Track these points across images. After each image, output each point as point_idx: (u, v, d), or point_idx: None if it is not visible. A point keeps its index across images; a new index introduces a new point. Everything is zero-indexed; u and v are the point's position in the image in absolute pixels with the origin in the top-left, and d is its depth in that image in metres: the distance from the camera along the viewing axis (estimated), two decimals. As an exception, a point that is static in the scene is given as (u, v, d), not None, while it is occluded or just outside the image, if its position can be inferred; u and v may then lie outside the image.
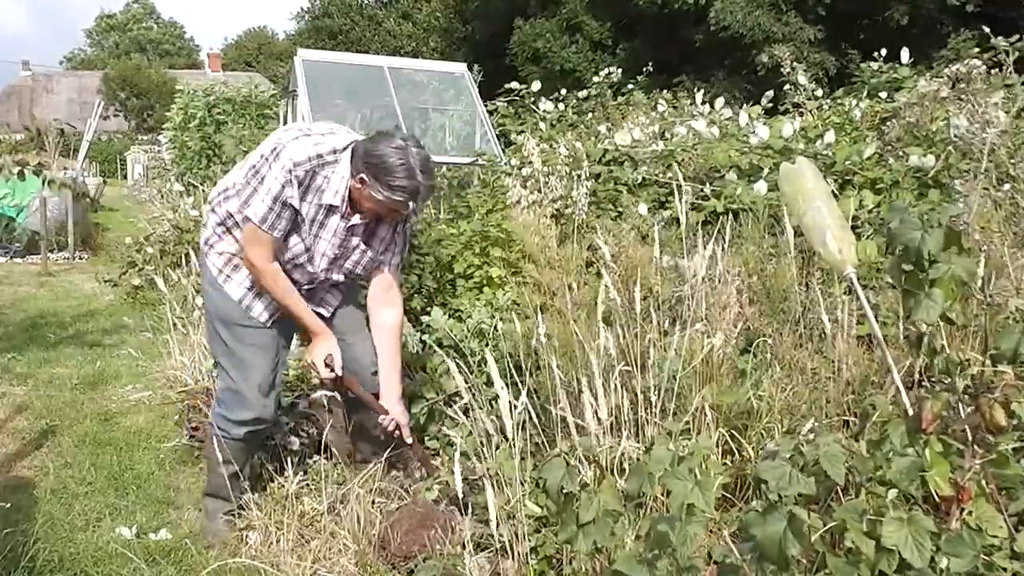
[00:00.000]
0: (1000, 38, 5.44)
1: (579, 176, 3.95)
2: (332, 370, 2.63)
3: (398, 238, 2.70)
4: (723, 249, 2.74)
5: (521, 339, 2.81)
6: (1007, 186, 3.24)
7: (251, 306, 2.62)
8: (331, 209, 2.47)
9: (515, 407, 2.16)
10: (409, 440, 2.73)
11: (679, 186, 3.10)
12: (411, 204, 2.43)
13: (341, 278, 2.68)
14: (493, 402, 2.93)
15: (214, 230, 2.63)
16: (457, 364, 2.54)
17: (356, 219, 2.52)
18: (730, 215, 3.78)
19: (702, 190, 4.07)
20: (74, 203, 9.95)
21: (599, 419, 2.25)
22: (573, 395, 2.52)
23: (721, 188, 4.12)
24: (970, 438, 1.55)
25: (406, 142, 2.38)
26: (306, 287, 2.66)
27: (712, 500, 1.45)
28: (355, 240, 2.58)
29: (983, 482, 1.54)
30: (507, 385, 2.25)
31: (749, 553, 1.43)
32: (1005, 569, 1.41)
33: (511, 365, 2.68)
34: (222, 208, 2.59)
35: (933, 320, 1.53)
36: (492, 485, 2.12)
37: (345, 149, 2.44)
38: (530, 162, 4.07)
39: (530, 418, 2.31)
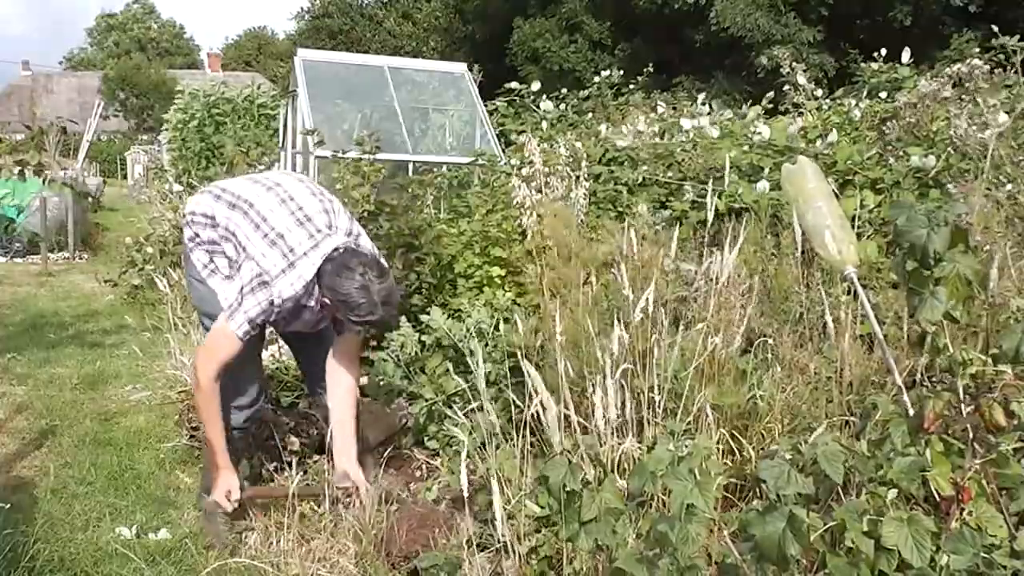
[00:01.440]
0: (1004, 38, 5.44)
1: (579, 176, 3.94)
2: (231, 503, 2.66)
3: None
4: (730, 251, 2.74)
5: (532, 333, 2.83)
6: (1008, 185, 3.24)
7: None
8: (304, 307, 2.58)
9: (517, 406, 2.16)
10: (364, 500, 2.69)
11: (680, 185, 3.10)
12: (373, 329, 2.59)
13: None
14: (493, 401, 2.94)
15: (197, 240, 2.70)
16: (456, 364, 2.55)
17: (327, 312, 2.61)
18: (732, 215, 3.78)
19: (703, 189, 4.07)
20: (75, 203, 9.96)
21: (607, 419, 2.25)
22: (577, 393, 2.52)
23: (722, 188, 4.12)
24: (970, 438, 1.55)
25: (366, 277, 2.43)
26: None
27: (712, 500, 1.45)
28: (324, 322, 2.71)
29: (983, 482, 1.54)
30: (508, 385, 2.25)
31: (749, 553, 1.43)
32: (1005, 567, 1.41)
33: (512, 363, 2.68)
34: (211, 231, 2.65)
35: (937, 319, 1.53)
36: (498, 485, 2.12)
37: (321, 261, 2.49)
38: (530, 162, 4.06)
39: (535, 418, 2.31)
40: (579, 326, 2.73)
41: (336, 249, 2.49)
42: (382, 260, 2.67)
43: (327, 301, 2.50)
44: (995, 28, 5.05)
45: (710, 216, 2.91)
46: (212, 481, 2.67)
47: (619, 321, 2.48)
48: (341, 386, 2.75)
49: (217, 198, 2.67)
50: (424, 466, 3.14)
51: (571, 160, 4.19)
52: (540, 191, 3.93)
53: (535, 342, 2.97)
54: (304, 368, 3.05)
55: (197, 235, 2.68)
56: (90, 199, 11.68)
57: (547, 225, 3.52)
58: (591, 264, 3.26)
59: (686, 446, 1.54)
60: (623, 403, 2.39)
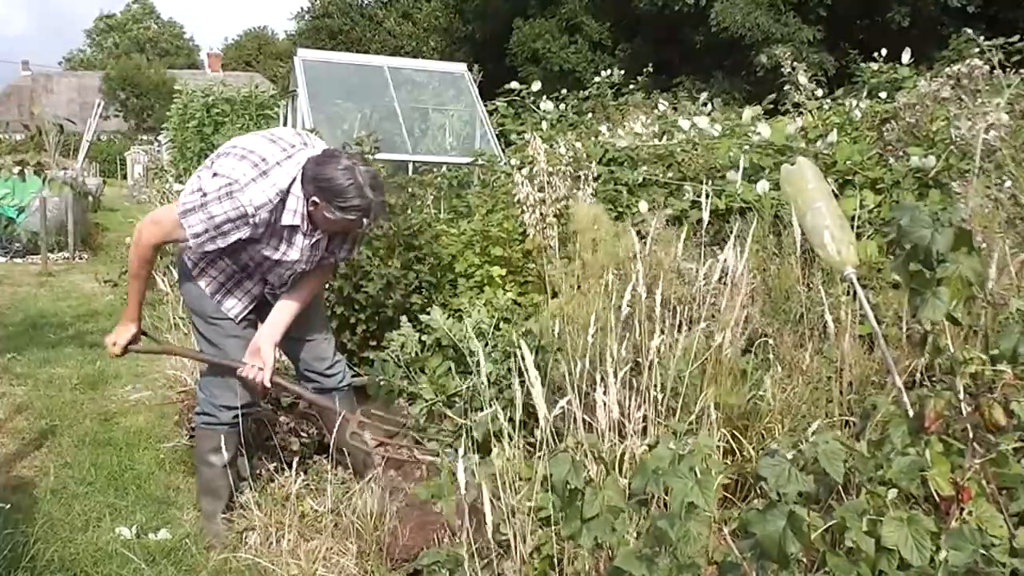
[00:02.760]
0: (1000, 38, 5.44)
1: (583, 176, 3.94)
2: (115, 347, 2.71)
3: (352, 239, 2.77)
4: (738, 252, 2.75)
5: (546, 330, 2.83)
6: (1008, 183, 3.24)
7: (222, 301, 2.69)
8: (294, 229, 2.51)
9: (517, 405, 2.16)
10: (268, 384, 2.68)
11: (680, 185, 3.10)
12: (364, 221, 2.47)
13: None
14: (493, 401, 2.94)
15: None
16: (456, 364, 2.55)
17: (318, 234, 2.57)
18: (732, 213, 3.78)
19: (703, 189, 4.07)
20: (75, 202, 9.96)
21: (611, 417, 2.25)
22: (582, 391, 2.52)
23: (722, 187, 4.12)
24: (970, 438, 1.55)
25: (352, 161, 2.42)
26: (279, 289, 2.73)
27: (712, 499, 1.46)
28: (319, 250, 2.64)
29: (983, 482, 1.54)
30: (509, 385, 2.25)
31: (749, 551, 1.43)
32: (1004, 564, 1.41)
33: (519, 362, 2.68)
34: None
35: (939, 319, 1.53)
36: (496, 485, 2.12)
37: (298, 170, 2.46)
38: (531, 161, 4.06)
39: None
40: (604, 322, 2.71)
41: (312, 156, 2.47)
42: None
43: (315, 200, 2.41)
44: (991, 29, 5.04)
45: (705, 216, 2.91)
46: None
47: (624, 320, 2.48)
48: (305, 281, 2.70)
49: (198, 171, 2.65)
50: (425, 467, 3.14)
51: (572, 160, 4.19)
52: (542, 190, 3.93)
53: (554, 337, 2.95)
54: (293, 358, 2.98)
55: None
56: (90, 198, 11.66)
57: (577, 218, 3.48)
58: (613, 259, 3.24)
59: (687, 444, 1.54)
60: (630, 402, 2.40)
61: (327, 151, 2.49)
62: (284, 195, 2.43)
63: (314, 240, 2.56)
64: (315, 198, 2.42)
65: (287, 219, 2.46)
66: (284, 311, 2.70)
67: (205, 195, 2.40)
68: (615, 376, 2.25)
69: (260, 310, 2.78)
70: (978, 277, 1.53)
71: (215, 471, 2.72)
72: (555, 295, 3.27)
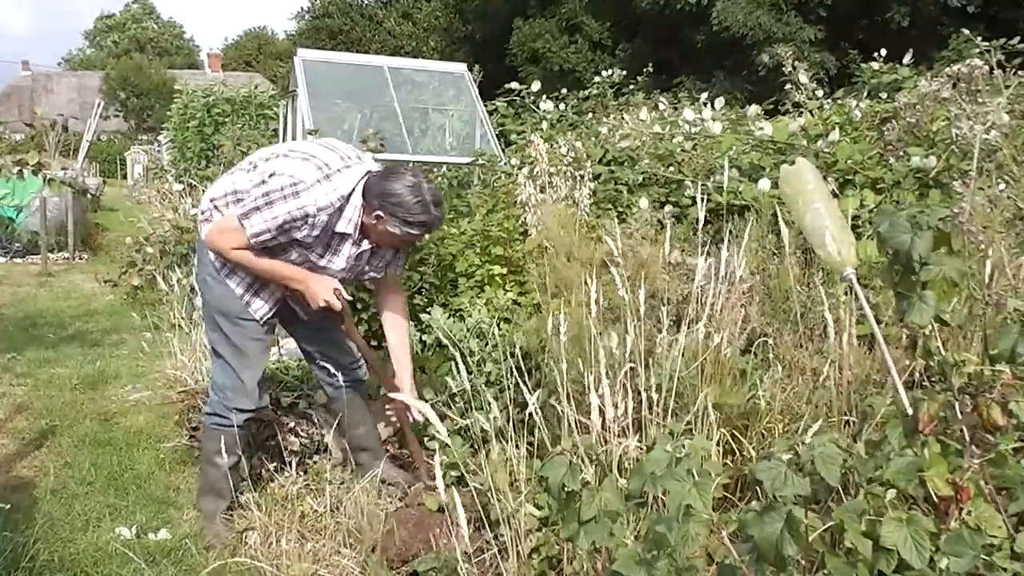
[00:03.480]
0: (1000, 39, 5.43)
1: (583, 176, 3.94)
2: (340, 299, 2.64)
3: (402, 252, 2.84)
4: (736, 249, 2.75)
5: (533, 333, 2.84)
6: (1002, 186, 3.23)
7: (250, 302, 2.69)
8: (343, 236, 2.57)
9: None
10: (420, 417, 2.72)
11: (680, 185, 3.10)
12: (425, 235, 2.63)
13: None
14: (492, 401, 2.94)
15: None
16: (456, 364, 2.55)
17: (365, 244, 2.62)
18: (731, 212, 3.78)
19: (704, 188, 4.07)
20: (75, 202, 9.96)
21: (606, 419, 2.25)
22: (579, 392, 2.52)
23: (721, 184, 4.11)
24: (969, 438, 1.55)
25: (418, 179, 2.50)
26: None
27: (710, 500, 1.45)
28: (362, 262, 2.69)
29: (982, 482, 1.54)
30: (509, 385, 2.25)
31: (747, 553, 1.43)
32: (1005, 569, 1.41)
33: (516, 362, 2.68)
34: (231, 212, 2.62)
35: (926, 323, 1.53)
36: (490, 486, 2.12)
37: (360, 181, 2.54)
38: (532, 161, 4.06)
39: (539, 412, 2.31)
40: (581, 326, 2.73)
41: (369, 171, 2.56)
42: None
43: (379, 214, 2.48)
44: (991, 30, 5.03)
45: (701, 216, 2.91)
46: (305, 293, 2.62)
47: (616, 322, 2.48)
48: (395, 312, 2.82)
49: (232, 172, 2.69)
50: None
51: (573, 160, 4.18)
52: (543, 190, 3.93)
53: (537, 343, 2.98)
54: (311, 355, 3.01)
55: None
56: (89, 195, 11.63)
57: (544, 225, 3.53)
58: (590, 264, 3.26)
59: (684, 446, 1.54)
60: (624, 403, 2.40)
61: (390, 168, 2.59)
62: (344, 202, 2.49)
63: (359, 251, 2.62)
64: (379, 212, 2.49)
65: (341, 226, 2.53)
66: (402, 339, 2.81)
67: (267, 194, 2.45)
68: (610, 377, 2.25)
69: (281, 314, 2.81)
70: (964, 277, 1.53)
71: (220, 472, 2.73)
72: (555, 295, 3.27)
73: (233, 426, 2.70)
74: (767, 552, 1.36)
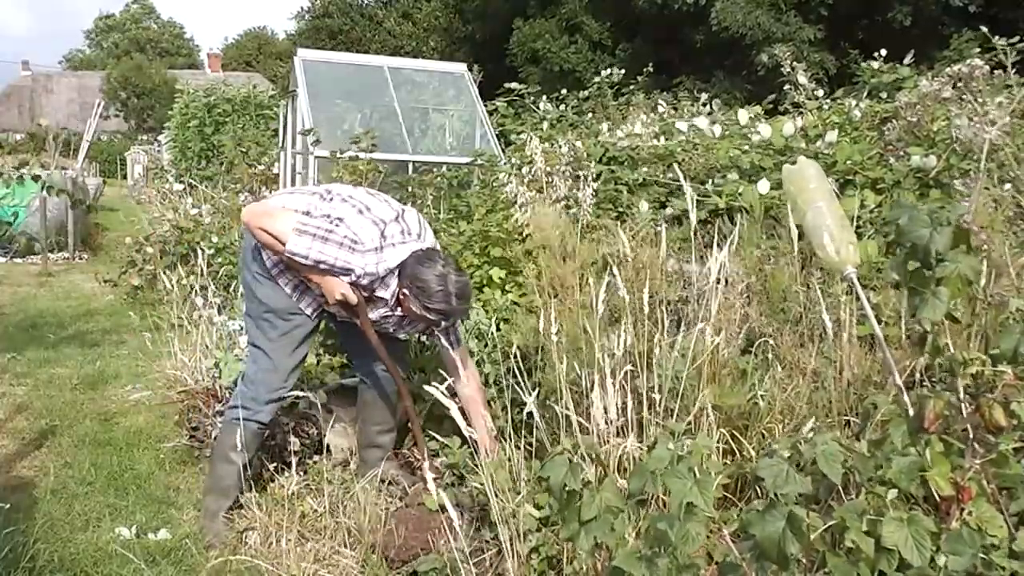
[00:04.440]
0: (1001, 39, 5.42)
1: (584, 176, 3.93)
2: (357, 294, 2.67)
3: (436, 330, 2.81)
4: (731, 251, 2.75)
5: (531, 333, 2.84)
6: (1008, 185, 3.23)
7: (300, 299, 2.76)
8: (381, 300, 2.69)
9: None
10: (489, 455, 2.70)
11: (680, 185, 3.10)
12: (443, 324, 2.69)
13: None
14: (492, 401, 2.94)
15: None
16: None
17: (399, 311, 2.71)
18: (730, 213, 3.77)
19: (704, 188, 4.06)
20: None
21: (608, 419, 2.25)
22: (579, 393, 2.52)
23: (722, 186, 4.11)
24: (970, 438, 1.55)
25: (447, 269, 2.60)
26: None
27: (711, 499, 1.45)
28: (389, 323, 2.80)
29: (983, 482, 1.54)
30: (508, 385, 2.24)
31: (749, 552, 1.43)
32: (1004, 568, 1.41)
33: (516, 362, 2.68)
34: None
35: (938, 319, 1.53)
36: (490, 488, 2.12)
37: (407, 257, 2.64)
38: (530, 161, 4.06)
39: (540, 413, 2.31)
40: (578, 327, 2.73)
41: (420, 249, 2.64)
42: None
43: (405, 292, 2.60)
44: (991, 30, 5.02)
45: (693, 218, 2.90)
46: (323, 286, 2.64)
47: (615, 323, 2.47)
48: (466, 394, 2.81)
49: (304, 194, 2.78)
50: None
51: (573, 160, 4.18)
52: (541, 191, 3.93)
53: (535, 343, 2.97)
54: (347, 347, 3.20)
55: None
56: (86, 205, 11.56)
57: (535, 226, 3.52)
58: (588, 265, 3.26)
59: (685, 445, 1.54)
60: (624, 403, 2.40)
61: (428, 251, 2.67)
62: (388, 274, 2.61)
63: (391, 314, 2.72)
64: (406, 291, 2.60)
65: (380, 292, 2.65)
66: (479, 411, 2.80)
67: (330, 232, 2.54)
68: (611, 377, 2.25)
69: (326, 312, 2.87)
70: (978, 276, 1.52)
71: (232, 469, 2.75)
72: (556, 295, 3.27)
73: (254, 421, 2.73)
74: (769, 551, 1.36)
